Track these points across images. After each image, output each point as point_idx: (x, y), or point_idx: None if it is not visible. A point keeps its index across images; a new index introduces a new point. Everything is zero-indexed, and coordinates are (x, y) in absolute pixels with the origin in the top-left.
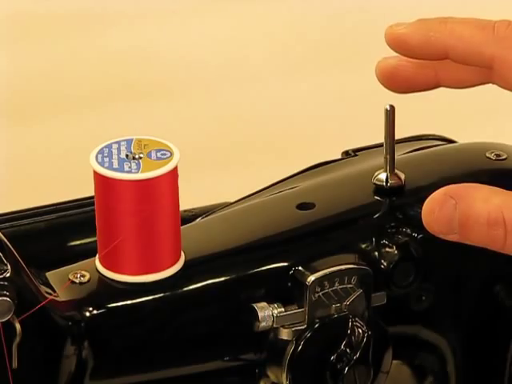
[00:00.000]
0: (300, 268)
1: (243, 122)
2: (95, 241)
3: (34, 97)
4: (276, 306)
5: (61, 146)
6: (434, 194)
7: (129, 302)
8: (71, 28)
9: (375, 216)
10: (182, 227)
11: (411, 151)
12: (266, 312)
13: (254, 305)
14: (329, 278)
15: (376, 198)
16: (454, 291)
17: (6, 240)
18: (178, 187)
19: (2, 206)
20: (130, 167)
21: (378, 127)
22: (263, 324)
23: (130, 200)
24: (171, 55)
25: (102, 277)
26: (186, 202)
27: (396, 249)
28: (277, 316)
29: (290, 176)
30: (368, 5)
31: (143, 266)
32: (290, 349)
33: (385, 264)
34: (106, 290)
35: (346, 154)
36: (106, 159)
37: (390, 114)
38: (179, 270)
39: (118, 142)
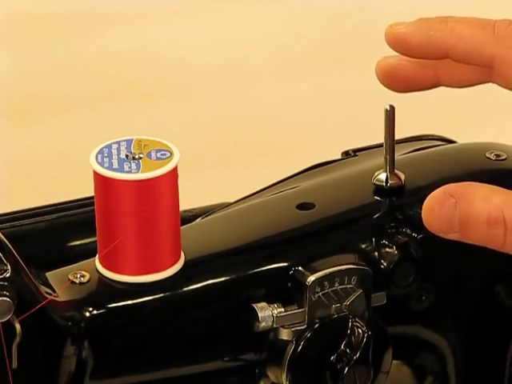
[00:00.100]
0: (300, 268)
1: (243, 122)
2: (95, 241)
3: (34, 97)
4: (276, 306)
5: (61, 145)
6: (434, 192)
7: (129, 302)
8: (71, 28)
9: (375, 216)
10: (182, 227)
11: (411, 151)
12: (266, 312)
13: (254, 305)
14: (329, 278)
15: (376, 198)
16: (453, 291)
17: (5, 240)
18: (177, 187)
19: (2, 206)
20: (129, 167)
21: (378, 127)
22: (263, 324)
23: (130, 200)
24: (171, 55)
25: (101, 277)
26: (186, 202)
27: (396, 249)
28: (277, 316)
29: (290, 176)
30: (368, 5)
31: (143, 266)
32: (290, 349)
33: (385, 264)
34: (105, 290)
35: (346, 154)
36: (106, 159)
37: (390, 114)
38: (179, 270)
39: (118, 142)
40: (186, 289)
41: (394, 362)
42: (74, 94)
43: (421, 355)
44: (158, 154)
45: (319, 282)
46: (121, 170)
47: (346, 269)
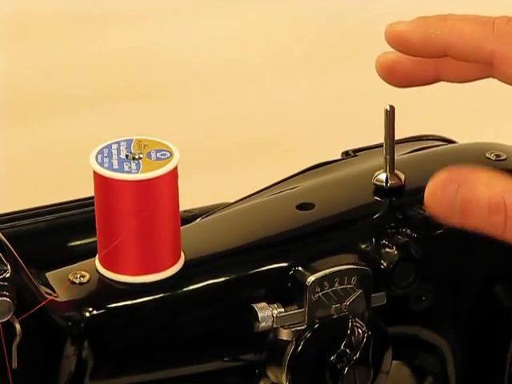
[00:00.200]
0: (300, 268)
1: (243, 122)
2: (95, 241)
3: (34, 97)
4: (276, 306)
5: (61, 145)
6: (436, 175)
7: (129, 302)
8: (71, 28)
9: (375, 216)
10: (182, 227)
11: (411, 151)
12: (266, 312)
13: (254, 305)
14: (329, 278)
15: (376, 198)
16: (453, 291)
17: (5, 240)
18: (177, 187)
19: (2, 206)
20: (129, 167)
21: (378, 127)
22: (263, 324)
23: (130, 200)
24: (171, 55)
25: (101, 277)
26: (186, 202)
27: (396, 249)
28: (277, 316)
29: (290, 176)
30: (368, 5)
31: (143, 266)
32: (290, 349)
33: (385, 264)
34: (105, 290)
35: (346, 154)
36: (106, 159)
37: (390, 115)
38: (179, 270)
39: (118, 143)
40: (186, 289)
41: (394, 362)
42: (74, 94)
43: (421, 355)
44: (158, 154)
45: (319, 282)
46: (121, 170)
47: (346, 269)
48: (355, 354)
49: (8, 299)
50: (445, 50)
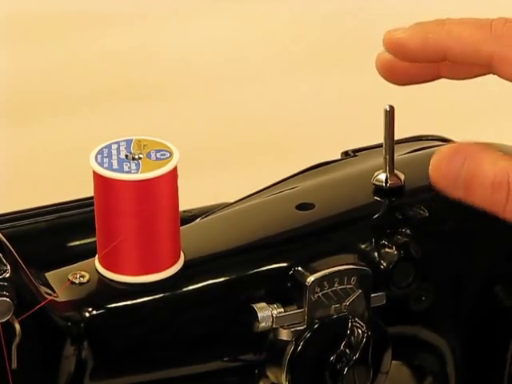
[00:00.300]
0: (300, 268)
1: (243, 122)
2: (95, 241)
3: (33, 97)
4: (275, 306)
5: (61, 145)
6: (443, 147)
7: (129, 302)
8: (71, 28)
9: (375, 216)
10: (181, 227)
11: (411, 151)
12: (266, 312)
13: (254, 305)
14: (328, 278)
15: (375, 198)
16: (453, 291)
17: (5, 240)
18: (177, 187)
19: (2, 206)
20: (129, 167)
21: (378, 127)
22: (263, 324)
23: (130, 200)
24: (171, 55)
25: (101, 277)
26: (186, 202)
27: (396, 249)
28: (276, 316)
29: (290, 176)
30: (368, 5)
31: (143, 266)
32: (290, 349)
33: (384, 264)
34: (105, 290)
35: (346, 154)
36: (106, 159)
37: (390, 115)
38: (179, 270)
39: (118, 143)
40: (185, 289)
41: (394, 362)
42: (74, 94)
43: (420, 355)
44: (158, 155)
45: (319, 282)
46: (120, 170)
47: (346, 269)
48: (355, 354)
49: (8, 299)
50: (443, 55)
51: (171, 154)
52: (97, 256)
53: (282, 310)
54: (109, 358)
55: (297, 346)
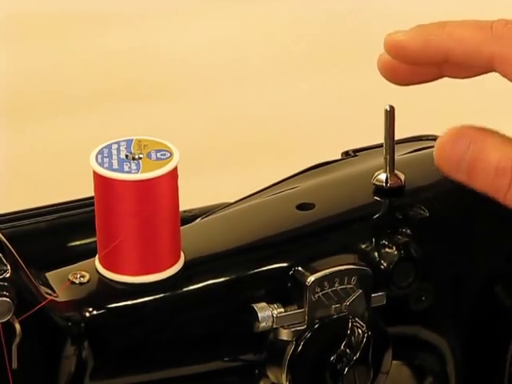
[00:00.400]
0: (300, 268)
1: (243, 122)
2: (95, 241)
3: (33, 97)
4: (276, 306)
5: (61, 145)
6: (448, 129)
7: (129, 302)
8: (71, 28)
9: (375, 216)
10: (182, 227)
11: (411, 152)
12: (266, 312)
13: (254, 305)
14: (329, 278)
15: (376, 198)
16: (453, 291)
17: (5, 240)
18: (177, 187)
19: (2, 206)
20: (129, 168)
21: (378, 127)
22: (263, 324)
23: (130, 200)
24: (171, 55)
25: (101, 277)
26: (186, 202)
27: (396, 249)
28: (277, 316)
29: (290, 176)
30: (367, 5)
31: (143, 266)
32: (290, 349)
33: (385, 264)
34: (105, 290)
35: (346, 154)
36: (106, 159)
37: (390, 115)
38: (179, 271)
39: (118, 143)
40: (185, 289)
41: (394, 362)
42: (74, 94)
43: (421, 355)
44: (158, 155)
45: (319, 282)
46: (121, 170)
47: (346, 269)
48: (355, 354)
49: (8, 299)
50: (444, 56)
51: (171, 154)
52: (97, 256)
53: (283, 309)
54: (109, 358)
55: (297, 345)
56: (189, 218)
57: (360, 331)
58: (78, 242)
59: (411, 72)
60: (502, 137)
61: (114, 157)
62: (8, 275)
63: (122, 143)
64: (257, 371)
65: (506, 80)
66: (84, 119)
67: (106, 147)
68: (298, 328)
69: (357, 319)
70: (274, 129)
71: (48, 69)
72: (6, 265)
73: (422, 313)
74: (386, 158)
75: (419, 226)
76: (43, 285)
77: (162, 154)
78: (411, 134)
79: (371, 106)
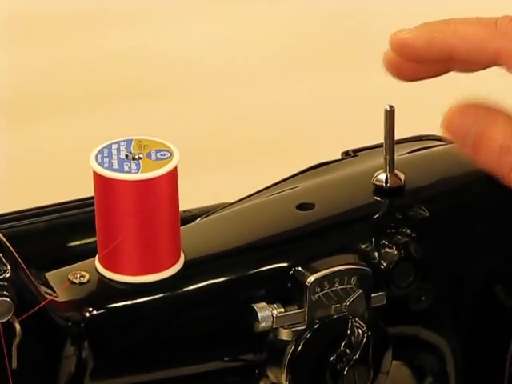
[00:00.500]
0: (300, 268)
1: (243, 122)
2: (95, 241)
3: (34, 97)
4: (276, 306)
5: (61, 146)
6: (457, 104)
7: (129, 302)
8: (71, 28)
9: (375, 216)
10: (181, 227)
11: (411, 152)
12: (266, 312)
13: (254, 305)
14: (329, 278)
15: (376, 198)
16: (453, 291)
17: (5, 240)
18: (177, 188)
19: (2, 206)
20: (129, 168)
21: (378, 127)
22: (263, 324)
23: (130, 200)
24: (171, 55)
25: (101, 277)
26: (186, 203)
27: (396, 249)
28: (277, 316)
29: (290, 176)
30: (368, 5)
31: (143, 266)
32: (290, 349)
33: (384, 264)
34: (105, 290)
35: (346, 154)
36: (106, 159)
37: (390, 115)
38: (179, 270)
39: (118, 143)
40: (185, 289)
41: (394, 362)
42: (74, 94)
43: (421, 355)
44: (158, 154)
45: (319, 282)
46: (121, 170)
47: (346, 269)
48: (355, 354)
49: (8, 299)
50: (449, 53)
51: (171, 154)
52: (97, 256)
53: (283, 309)
54: (109, 358)
55: (297, 345)
56: (189, 217)
57: (360, 331)
58: (77, 242)
59: (416, 68)
60: (510, 115)
61: (114, 157)
62: (8, 275)
63: (122, 143)
64: (257, 371)
65: (506, 80)
66: (84, 119)
67: (105, 147)
68: (298, 328)
69: (357, 319)
70: (274, 129)
71: (48, 69)
72: (6, 265)
73: (422, 313)
74: (385, 158)
75: (419, 226)
76: (43, 285)
77: (161, 154)
78: (411, 133)
79: (371, 106)
